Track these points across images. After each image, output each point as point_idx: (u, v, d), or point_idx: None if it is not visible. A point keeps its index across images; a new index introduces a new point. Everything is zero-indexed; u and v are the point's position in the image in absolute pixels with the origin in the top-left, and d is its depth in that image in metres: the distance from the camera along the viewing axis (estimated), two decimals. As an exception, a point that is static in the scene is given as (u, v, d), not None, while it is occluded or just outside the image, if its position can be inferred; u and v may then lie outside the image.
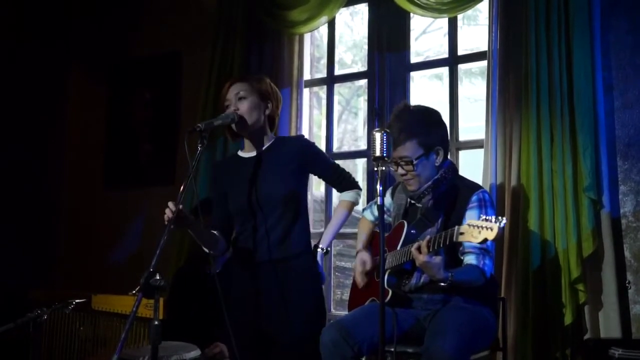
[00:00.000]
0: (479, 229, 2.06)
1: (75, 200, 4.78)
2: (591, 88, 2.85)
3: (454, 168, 2.62)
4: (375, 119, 3.63)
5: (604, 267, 2.80)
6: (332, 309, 3.73)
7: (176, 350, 2.73)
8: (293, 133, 3.67)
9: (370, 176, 3.57)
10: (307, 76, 3.90)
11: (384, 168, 2.12)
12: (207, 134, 2.28)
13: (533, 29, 2.97)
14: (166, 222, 2.17)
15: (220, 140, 3.75)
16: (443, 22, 3.76)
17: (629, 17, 2.96)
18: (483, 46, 3.29)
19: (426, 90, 4.89)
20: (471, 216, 2.36)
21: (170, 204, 2.20)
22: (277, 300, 2.48)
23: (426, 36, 5.50)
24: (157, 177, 4.36)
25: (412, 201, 2.61)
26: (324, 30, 3.95)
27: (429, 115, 2.57)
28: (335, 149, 3.99)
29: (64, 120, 4.89)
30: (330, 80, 3.91)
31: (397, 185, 2.77)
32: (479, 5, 3.24)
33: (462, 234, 2.12)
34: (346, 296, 3.11)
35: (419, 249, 2.24)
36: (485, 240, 2.05)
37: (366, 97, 3.78)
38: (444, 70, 3.67)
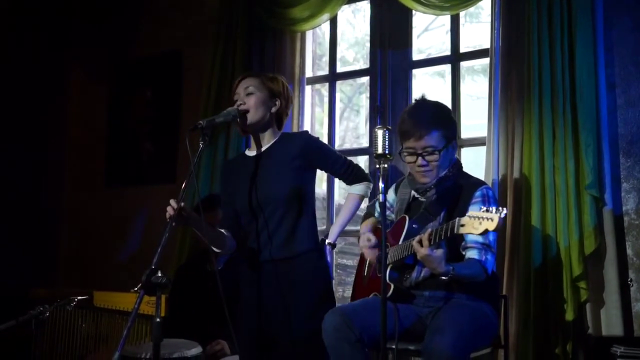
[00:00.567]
0: (479, 219, 2.05)
1: (76, 198, 4.79)
2: (594, 85, 2.84)
3: (459, 164, 2.63)
4: (377, 116, 3.63)
5: (606, 264, 2.80)
6: (333, 307, 3.72)
7: (178, 347, 2.73)
8: (295, 130, 3.66)
9: (372, 174, 3.57)
10: (309, 74, 3.90)
11: (385, 165, 2.12)
12: (208, 131, 2.27)
13: (535, 26, 2.97)
14: (168, 220, 2.16)
15: (222, 138, 3.75)
16: (445, 20, 3.77)
17: (633, 14, 2.95)
18: (485, 43, 3.29)
19: (428, 87, 4.88)
20: (474, 210, 2.36)
21: (172, 202, 2.20)
22: (282, 299, 2.46)
23: (428, 33, 5.49)
24: (159, 175, 4.36)
25: (417, 195, 2.60)
26: (325, 27, 3.95)
27: (447, 109, 2.62)
28: (337, 146, 3.99)
29: (65, 120, 4.90)
30: (332, 77, 3.91)
31: (402, 180, 2.76)
32: (482, 3, 3.24)
33: (463, 225, 2.11)
34: (348, 293, 3.11)
35: (420, 242, 2.23)
36: (486, 231, 2.04)
37: (368, 95, 3.78)
38: (446, 68, 3.66)
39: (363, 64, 4.72)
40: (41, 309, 2.49)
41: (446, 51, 3.62)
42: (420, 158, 2.49)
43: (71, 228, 4.79)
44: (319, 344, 2.35)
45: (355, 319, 2.33)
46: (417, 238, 2.25)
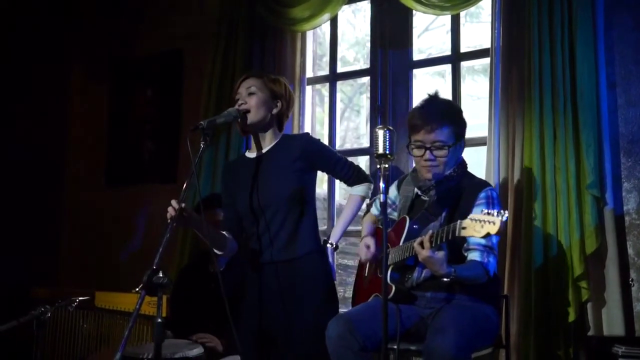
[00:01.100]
0: (481, 223, 2.05)
1: (77, 198, 4.79)
2: (594, 85, 2.84)
3: (464, 165, 2.62)
4: (377, 116, 3.63)
5: (607, 264, 2.80)
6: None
7: (179, 347, 2.73)
8: (296, 131, 3.66)
9: (373, 174, 3.57)
10: (309, 74, 3.89)
11: (386, 165, 2.11)
12: (209, 131, 2.27)
13: (536, 25, 2.96)
14: (169, 220, 2.16)
15: (223, 138, 3.75)
16: (446, 20, 3.76)
17: (633, 13, 2.95)
18: (486, 43, 3.28)
19: (429, 87, 4.87)
20: (477, 212, 2.35)
21: (173, 202, 2.19)
22: (284, 301, 2.46)
23: (429, 33, 5.49)
24: (159, 175, 4.36)
25: (420, 193, 2.60)
26: (326, 27, 3.94)
27: (459, 108, 2.64)
28: (337, 146, 3.98)
29: (66, 119, 4.89)
30: (333, 77, 3.91)
31: (405, 177, 2.76)
32: (482, 3, 3.23)
33: (464, 228, 2.11)
34: (349, 294, 3.11)
35: (421, 244, 2.22)
36: (488, 234, 2.04)
37: (369, 95, 3.77)
38: (447, 68, 3.66)
39: (363, 64, 4.72)
40: (42, 309, 2.49)
41: (446, 51, 3.62)
42: (428, 152, 2.48)
43: (72, 228, 4.79)
44: (321, 346, 2.35)
45: (359, 326, 2.33)
46: (418, 240, 2.25)
